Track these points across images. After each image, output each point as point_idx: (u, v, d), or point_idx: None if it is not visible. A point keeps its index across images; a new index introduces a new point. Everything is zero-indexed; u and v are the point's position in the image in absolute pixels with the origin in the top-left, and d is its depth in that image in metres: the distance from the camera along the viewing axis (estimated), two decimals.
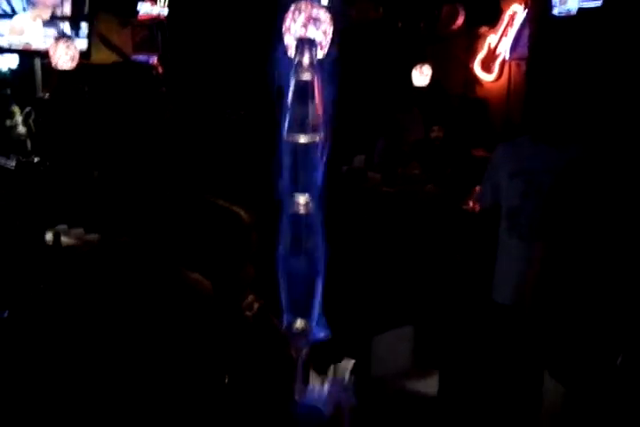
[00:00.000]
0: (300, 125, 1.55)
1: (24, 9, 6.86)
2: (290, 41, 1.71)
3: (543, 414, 2.48)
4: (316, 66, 1.55)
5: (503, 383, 2.57)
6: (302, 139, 1.55)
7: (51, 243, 3.61)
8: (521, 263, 2.73)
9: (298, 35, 1.68)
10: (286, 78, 1.59)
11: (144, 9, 8.36)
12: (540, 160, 2.77)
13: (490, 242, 2.96)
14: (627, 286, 2.22)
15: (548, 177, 2.71)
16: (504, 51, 8.06)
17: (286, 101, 1.58)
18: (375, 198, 5.23)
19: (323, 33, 2.04)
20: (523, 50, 7.73)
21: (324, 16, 2.08)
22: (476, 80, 8.48)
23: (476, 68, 8.44)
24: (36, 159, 4.09)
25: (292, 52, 1.65)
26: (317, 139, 1.57)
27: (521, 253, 2.76)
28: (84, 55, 6.52)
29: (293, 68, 1.55)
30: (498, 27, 8.03)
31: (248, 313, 1.72)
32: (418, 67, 7.68)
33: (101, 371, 1.47)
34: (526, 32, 7.68)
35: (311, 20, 2.05)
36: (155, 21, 8.52)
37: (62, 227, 3.82)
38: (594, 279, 2.31)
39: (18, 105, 5.77)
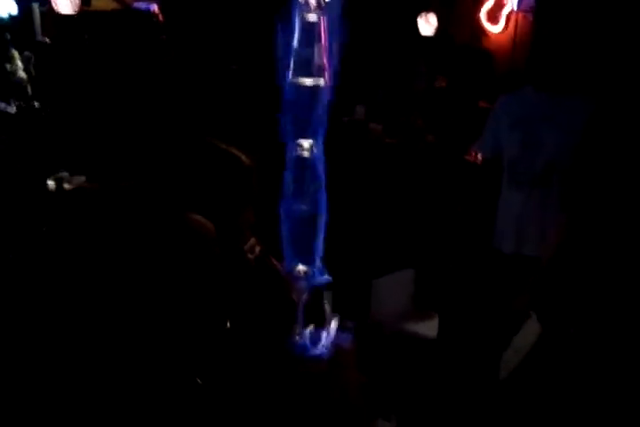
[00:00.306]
0: (306, 68, 1.54)
1: None
2: None
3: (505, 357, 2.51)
4: (323, 6, 1.52)
5: (492, 327, 2.62)
6: (307, 81, 1.54)
7: (53, 189, 3.62)
8: (519, 212, 2.77)
9: None
10: (291, 20, 1.57)
11: None
12: (541, 109, 2.78)
13: (491, 192, 2.98)
14: None
15: (547, 126, 2.73)
16: (511, 1, 7.91)
17: (292, 43, 1.56)
18: (377, 149, 5.21)
19: None
20: (530, 0, 7.59)
21: None
22: (481, 31, 8.35)
23: (482, 18, 8.30)
24: (36, 104, 4.06)
25: None
26: (322, 82, 1.56)
27: (519, 203, 2.80)
28: (83, 1, 6.41)
29: (298, 9, 1.52)
30: None
31: (250, 256, 1.73)
32: (423, 15, 7.56)
33: (103, 313, 1.49)
34: None
35: None
36: None
37: (64, 174, 3.82)
38: (619, 239, 2.32)
39: (17, 50, 5.70)
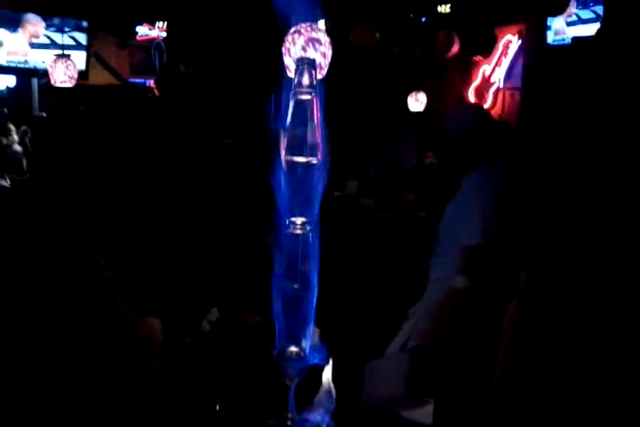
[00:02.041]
0: (299, 146, 1.54)
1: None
2: (289, 62, 1.71)
3: None
4: (316, 87, 1.54)
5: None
6: (300, 159, 1.54)
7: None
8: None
9: (297, 56, 1.68)
10: (285, 99, 1.59)
11: (142, 31, 8.45)
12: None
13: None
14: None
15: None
16: (498, 80, 8.15)
17: (284, 122, 1.57)
18: (369, 225, 5.21)
19: (322, 55, 2.06)
20: (516, 79, 7.82)
21: (324, 38, 2.11)
22: None
23: (470, 96, 8.52)
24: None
25: (291, 73, 1.65)
26: (315, 160, 1.56)
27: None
28: (81, 75, 6.56)
29: (293, 89, 1.54)
30: (492, 56, 8.13)
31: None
32: (413, 94, 7.76)
33: None
34: (520, 61, 7.78)
35: (310, 43, 2.07)
36: (153, 43, 8.60)
37: None
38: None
39: (14, 124, 5.76)
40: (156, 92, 8.09)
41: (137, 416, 1.47)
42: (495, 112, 8.21)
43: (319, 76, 1.66)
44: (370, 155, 6.46)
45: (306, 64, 1.50)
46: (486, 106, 8.30)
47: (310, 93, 1.54)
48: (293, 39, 1.91)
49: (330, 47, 1.94)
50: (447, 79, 8.63)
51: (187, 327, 1.88)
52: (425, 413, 2.44)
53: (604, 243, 2.21)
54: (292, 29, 1.88)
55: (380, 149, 6.37)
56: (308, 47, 1.93)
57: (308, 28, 1.87)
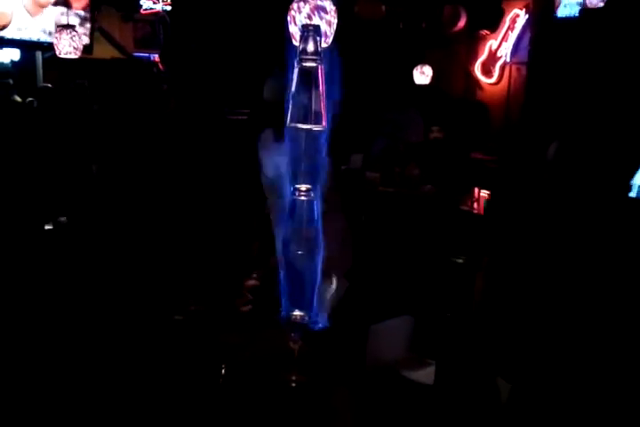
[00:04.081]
0: (304, 113, 1.55)
1: None
2: (294, 30, 1.71)
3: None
4: (321, 54, 1.55)
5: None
6: (304, 126, 1.55)
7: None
8: None
9: (303, 24, 1.67)
10: (290, 67, 1.59)
11: (146, 5, 8.39)
12: None
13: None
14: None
15: None
16: (504, 54, 8.09)
17: (290, 89, 1.58)
18: (373, 198, 5.23)
19: (327, 23, 2.06)
20: (523, 53, 7.76)
21: (330, 7, 2.10)
22: (476, 83, 8.50)
23: (477, 71, 8.47)
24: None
25: (296, 42, 1.65)
26: (320, 127, 1.57)
27: None
28: (85, 49, 6.53)
29: (297, 56, 1.55)
30: (499, 30, 8.07)
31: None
32: (419, 67, 7.71)
33: None
34: (527, 36, 7.71)
35: (316, 11, 2.07)
36: (157, 17, 8.54)
37: (62, 219, 3.83)
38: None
39: (19, 95, 5.79)
40: (160, 66, 8.06)
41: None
42: (502, 87, 8.17)
43: (324, 45, 1.66)
44: (375, 129, 6.45)
45: (311, 31, 1.50)
46: (492, 80, 8.26)
47: (315, 61, 1.54)
48: (299, 7, 1.91)
49: (335, 16, 1.94)
50: (453, 53, 8.57)
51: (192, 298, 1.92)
52: (427, 373, 2.49)
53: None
54: None
55: (386, 122, 6.35)
56: (313, 15, 1.93)
57: None
